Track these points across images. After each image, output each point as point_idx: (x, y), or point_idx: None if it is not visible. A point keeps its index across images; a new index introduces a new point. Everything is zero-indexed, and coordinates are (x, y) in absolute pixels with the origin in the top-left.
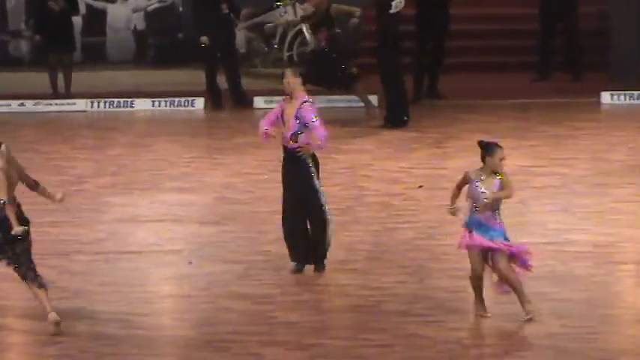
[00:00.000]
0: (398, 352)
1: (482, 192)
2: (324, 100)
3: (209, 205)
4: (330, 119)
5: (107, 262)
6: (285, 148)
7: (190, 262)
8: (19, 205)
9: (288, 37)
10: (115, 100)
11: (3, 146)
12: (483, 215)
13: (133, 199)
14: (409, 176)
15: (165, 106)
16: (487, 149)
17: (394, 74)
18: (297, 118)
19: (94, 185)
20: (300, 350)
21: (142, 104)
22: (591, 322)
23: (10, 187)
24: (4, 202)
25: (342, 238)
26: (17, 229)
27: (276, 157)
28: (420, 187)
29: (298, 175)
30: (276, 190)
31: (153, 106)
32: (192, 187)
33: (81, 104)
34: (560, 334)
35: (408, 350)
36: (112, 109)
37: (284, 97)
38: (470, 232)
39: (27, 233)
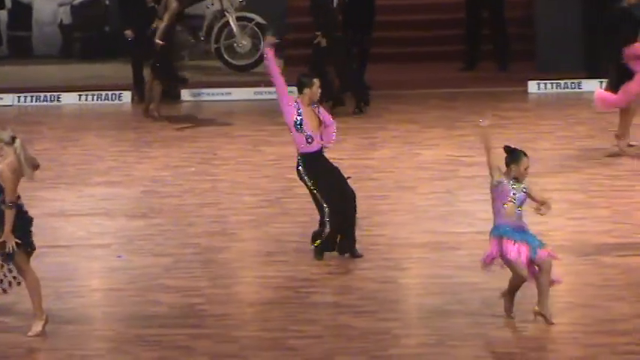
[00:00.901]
0: (328, 343)
1: (513, 194)
2: (250, 93)
3: (137, 198)
4: (258, 111)
5: (36, 256)
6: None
7: (119, 256)
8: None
9: (215, 29)
10: (42, 94)
11: (17, 141)
12: (511, 219)
13: (61, 194)
14: None
15: (93, 100)
16: (514, 156)
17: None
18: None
19: (21, 180)
20: (231, 343)
21: (69, 98)
22: (520, 310)
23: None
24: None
25: (270, 230)
26: (8, 244)
27: (203, 150)
28: (348, 178)
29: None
30: (205, 183)
31: (80, 100)
32: (121, 180)
33: (8, 99)
34: (491, 324)
35: (338, 341)
36: (39, 104)
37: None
38: (514, 242)
39: (11, 253)
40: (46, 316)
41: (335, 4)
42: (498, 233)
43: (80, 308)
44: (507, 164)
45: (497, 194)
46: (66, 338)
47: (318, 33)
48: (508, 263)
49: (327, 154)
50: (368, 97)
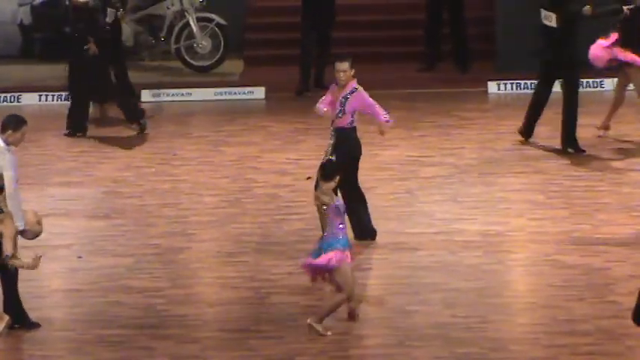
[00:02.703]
0: (289, 343)
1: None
2: (210, 93)
3: (98, 198)
4: (218, 112)
5: None
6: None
7: (80, 257)
8: None
9: (175, 30)
10: (2, 94)
11: None
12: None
13: (21, 194)
14: (297, 168)
15: (53, 100)
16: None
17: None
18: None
19: None
20: (192, 343)
21: (29, 99)
22: (481, 311)
23: None
24: None
25: (231, 230)
26: None
27: (163, 150)
28: (308, 178)
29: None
30: (166, 183)
31: (40, 100)
32: (81, 181)
33: None
34: (450, 324)
35: (298, 341)
36: None
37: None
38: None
39: None
40: (8, 317)
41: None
42: (345, 245)
43: (41, 309)
44: (331, 177)
45: (333, 214)
46: (27, 339)
47: (91, 38)
48: (346, 274)
49: (288, 155)
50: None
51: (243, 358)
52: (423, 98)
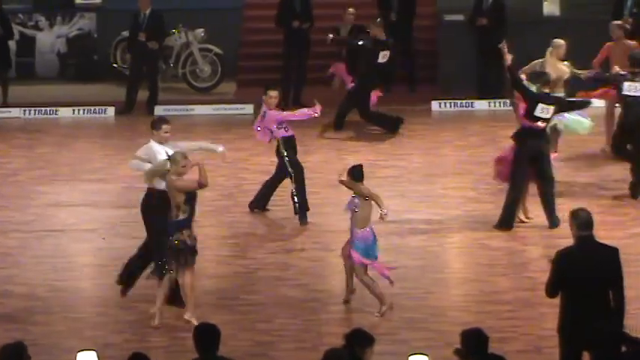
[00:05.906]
0: (270, 308)
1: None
2: (209, 109)
3: (119, 192)
4: (215, 124)
5: (37, 238)
6: None
7: (104, 238)
8: None
9: (182, 58)
10: (43, 108)
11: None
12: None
13: (57, 188)
14: None
15: (83, 113)
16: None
17: None
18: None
19: (25, 177)
20: (194, 307)
21: (65, 112)
22: (424, 284)
23: None
24: None
25: (225, 219)
26: None
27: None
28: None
29: None
30: None
31: (73, 113)
32: (105, 177)
33: (15, 112)
34: (400, 294)
35: (278, 307)
36: (40, 116)
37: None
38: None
39: None
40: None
41: None
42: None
43: (72, 280)
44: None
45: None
46: (60, 303)
47: None
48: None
49: (271, 158)
50: None
51: (234, 321)
52: None
